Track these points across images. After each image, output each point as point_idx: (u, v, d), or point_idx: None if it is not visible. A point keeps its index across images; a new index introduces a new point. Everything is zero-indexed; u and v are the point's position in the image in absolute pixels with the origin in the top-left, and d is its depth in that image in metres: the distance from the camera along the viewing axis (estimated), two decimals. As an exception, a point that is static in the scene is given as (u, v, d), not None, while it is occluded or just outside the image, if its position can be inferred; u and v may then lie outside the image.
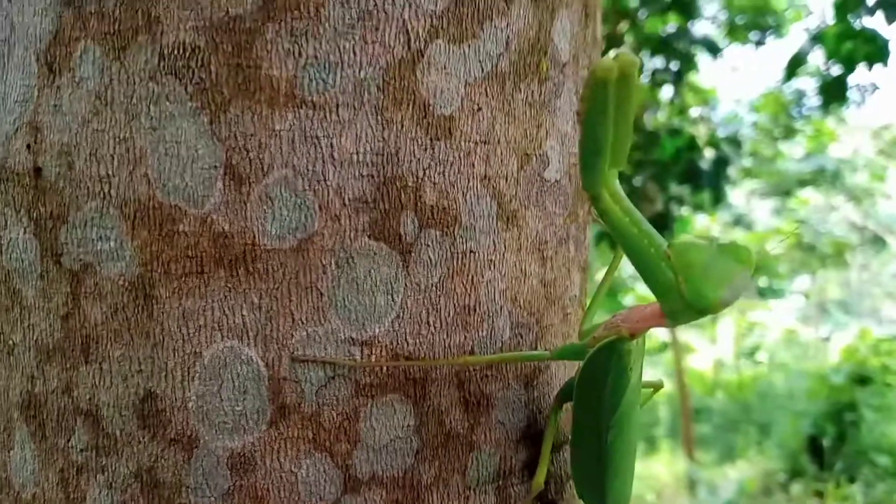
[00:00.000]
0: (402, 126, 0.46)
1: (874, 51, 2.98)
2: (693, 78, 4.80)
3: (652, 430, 7.70)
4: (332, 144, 0.45)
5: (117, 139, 0.44)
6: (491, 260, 0.51)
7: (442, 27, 0.47)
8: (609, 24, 4.00)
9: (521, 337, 0.53)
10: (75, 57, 0.45)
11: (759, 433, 6.68)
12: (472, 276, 0.50)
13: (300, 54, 0.44)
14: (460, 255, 0.49)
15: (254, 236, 0.44)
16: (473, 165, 0.49)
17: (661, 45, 3.95)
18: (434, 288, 0.48)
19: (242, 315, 0.45)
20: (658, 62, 4.06)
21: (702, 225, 7.48)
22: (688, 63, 3.96)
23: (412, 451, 0.48)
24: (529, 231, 0.53)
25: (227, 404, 0.45)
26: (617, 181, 0.45)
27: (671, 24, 4.06)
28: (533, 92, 0.52)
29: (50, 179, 0.46)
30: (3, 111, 0.47)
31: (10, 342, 0.48)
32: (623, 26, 4.06)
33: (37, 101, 0.46)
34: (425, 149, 0.47)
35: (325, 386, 0.46)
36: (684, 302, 0.42)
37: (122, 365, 0.45)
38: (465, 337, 0.50)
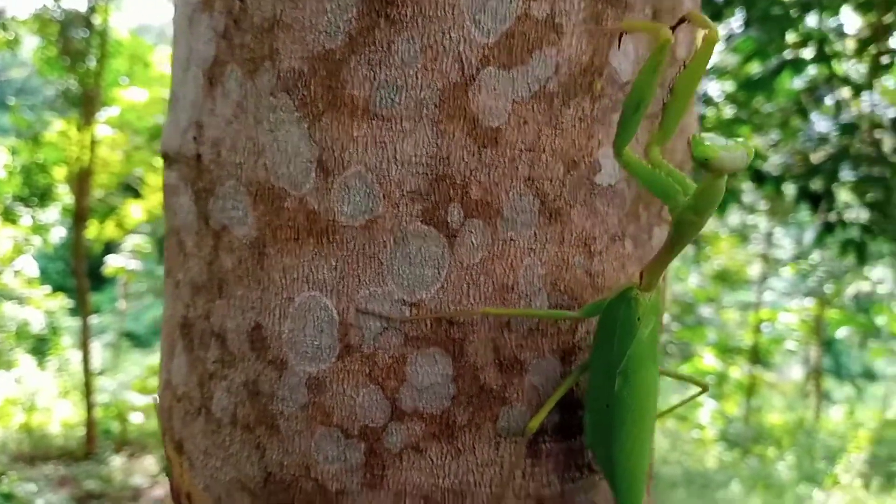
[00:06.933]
0: (454, 136, 0.58)
1: None
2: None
3: (893, 466, 6.99)
4: (395, 148, 0.58)
5: (248, 137, 0.61)
6: (531, 248, 0.61)
7: (493, 56, 0.58)
8: (875, 13, 3.69)
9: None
10: (225, 75, 0.61)
11: None
12: (512, 261, 0.60)
13: (374, 79, 0.57)
14: (501, 242, 0.60)
15: (334, 215, 0.59)
16: (517, 169, 0.59)
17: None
18: (475, 267, 0.59)
19: (323, 273, 0.59)
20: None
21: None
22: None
23: (449, 396, 0.60)
24: (574, 227, 0.62)
25: (308, 339, 0.60)
26: (658, 153, 0.56)
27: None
28: (584, 108, 0.61)
29: (205, 163, 0.63)
30: (182, 111, 0.66)
31: (177, 279, 0.67)
32: (889, 17, 3.73)
33: (201, 105, 0.63)
34: (473, 154, 0.58)
35: (380, 334, 0.59)
36: (692, 157, 0.51)
37: (241, 301, 0.62)
38: (504, 310, 0.61)
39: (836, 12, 3.66)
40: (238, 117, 0.61)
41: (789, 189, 3.91)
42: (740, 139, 0.50)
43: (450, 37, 0.57)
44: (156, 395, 0.74)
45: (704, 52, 0.52)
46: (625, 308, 0.58)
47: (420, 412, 0.60)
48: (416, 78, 0.57)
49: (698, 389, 0.70)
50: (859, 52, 3.75)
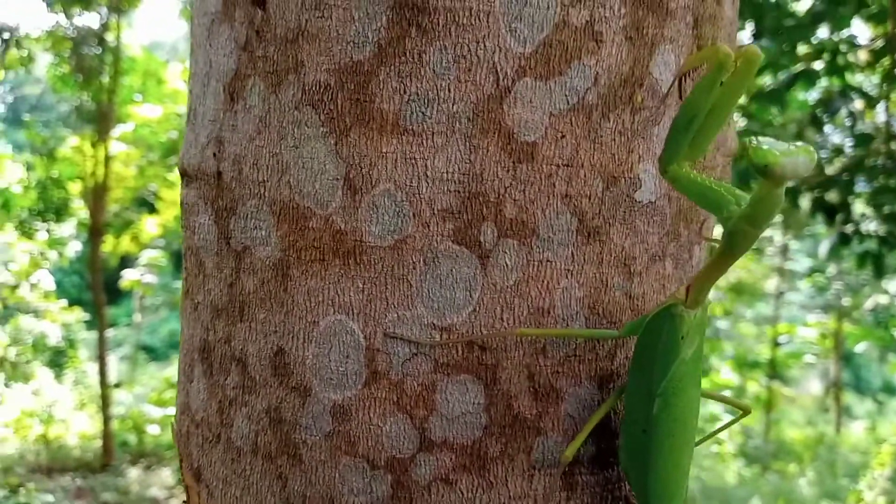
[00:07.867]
0: (488, 151, 0.55)
1: None
2: None
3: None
4: (426, 165, 0.55)
5: (271, 153, 0.58)
6: (569, 269, 0.58)
7: (530, 67, 0.55)
8: (889, 23, 3.64)
9: (598, 342, 0.60)
10: (247, 89, 0.59)
11: None
12: (548, 283, 0.57)
13: (405, 91, 0.54)
14: (537, 263, 0.57)
15: (362, 235, 0.56)
16: (554, 185, 0.56)
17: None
18: (509, 289, 0.56)
19: (350, 296, 0.56)
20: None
21: None
22: None
23: (481, 426, 0.57)
24: (614, 246, 0.59)
25: (333, 364, 0.57)
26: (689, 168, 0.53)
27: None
28: (624, 121, 0.58)
29: (226, 181, 0.61)
30: (201, 127, 0.63)
31: (196, 300, 0.64)
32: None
33: (222, 121, 0.61)
34: (507, 170, 0.55)
35: (409, 360, 0.56)
36: (750, 163, 0.47)
37: (263, 325, 0.59)
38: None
39: (847, 24, 3.62)
40: (261, 133, 0.58)
41: (804, 201, 3.86)
42: (801, 143, 0.46)
43: (484, 46, 0.54)
44: (173, 420, 0.71)
45: (745, 70, 0.49)
46: (668, 325, 0.54)
47: (450, 442, 0.57)
48: (449, 90, 0.54)
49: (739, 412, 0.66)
50: (873, 63, 3.70)
